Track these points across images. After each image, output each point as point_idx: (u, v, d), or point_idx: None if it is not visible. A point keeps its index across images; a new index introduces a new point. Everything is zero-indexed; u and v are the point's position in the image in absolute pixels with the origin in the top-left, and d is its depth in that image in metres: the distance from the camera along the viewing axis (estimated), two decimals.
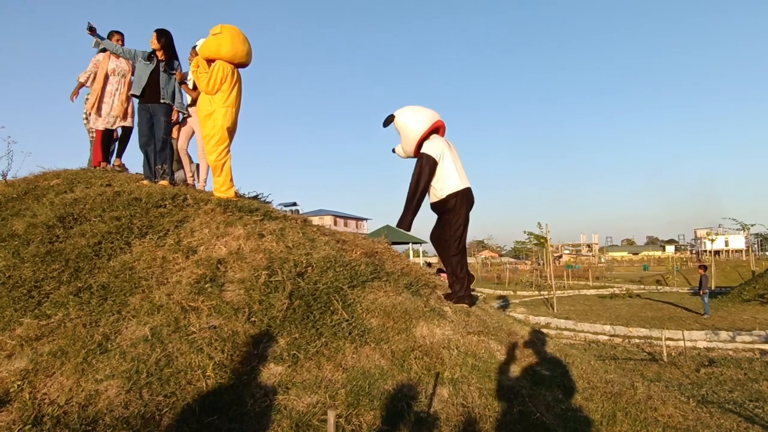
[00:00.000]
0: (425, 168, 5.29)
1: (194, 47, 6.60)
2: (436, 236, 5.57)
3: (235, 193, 5.80)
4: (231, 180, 5.68)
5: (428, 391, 3.61)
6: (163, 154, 6.44)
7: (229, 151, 5.69)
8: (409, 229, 5.41)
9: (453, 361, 3.91)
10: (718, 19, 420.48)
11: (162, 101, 6.31)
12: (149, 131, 6.43)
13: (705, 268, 19.43)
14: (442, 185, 5.34)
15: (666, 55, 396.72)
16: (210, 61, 5.64)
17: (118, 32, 7.23)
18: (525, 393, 3.84)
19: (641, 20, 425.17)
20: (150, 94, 6.35)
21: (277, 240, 4.70)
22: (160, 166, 6.15)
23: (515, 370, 4.16)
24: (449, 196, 5.30)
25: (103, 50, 7.16)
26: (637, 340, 12.92)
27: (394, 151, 5.84)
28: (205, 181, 6.63)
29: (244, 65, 5.84)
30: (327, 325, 3.86)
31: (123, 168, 7.43)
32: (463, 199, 5.34)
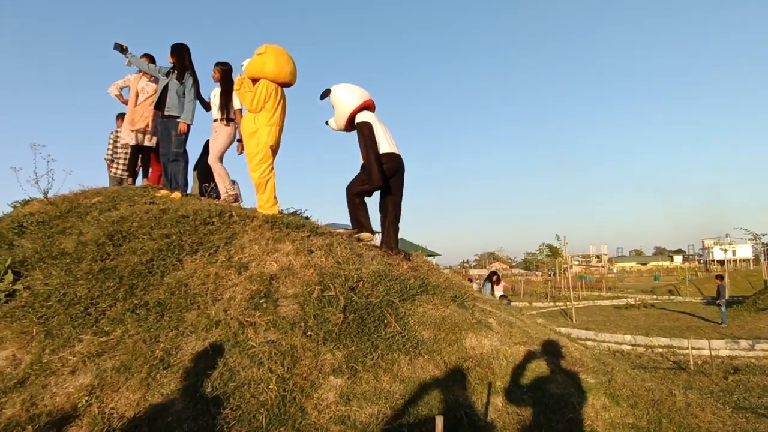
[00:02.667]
0: (366, 133, 5.86)
1: (217, 64, 6.77)
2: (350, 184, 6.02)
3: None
4: (275, 197, 5.79)
5: (483, 400, 3.67)
6: (175, 166, 6.60)
7: (272, 168, 5.79)
8: (383, 185, 5.88)
9: (503, 370, 3.98)
10: (726, 23, 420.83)
11: (167, 114, 6.53)
12: (165, 143, 6.65)
13: (722, 278, 19.40)
14: None
15: (672, 64, 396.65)
16: (255, 80, 5.77)
17: (147, 55, 7.41)
18: (574, 401, 3.89)
19: (647, 28, 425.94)
20: (163, 108, 6.68)
21: (326, 255, 4.79)
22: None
23: (562, 378, 4.21)
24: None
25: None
26: (660, 350, 12.94)
27: (327, 123, 6.33)
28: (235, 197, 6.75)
29: (288, 85, 5.97)
30: (382, 337, 3.95)
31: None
32: (385, 160, 5.85)
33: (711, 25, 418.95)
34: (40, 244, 5.09)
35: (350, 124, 6.13)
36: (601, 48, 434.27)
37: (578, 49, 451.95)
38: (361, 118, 5.99)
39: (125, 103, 7.50)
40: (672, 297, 30.92)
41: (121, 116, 8.04)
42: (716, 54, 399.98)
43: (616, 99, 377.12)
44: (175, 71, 6.66)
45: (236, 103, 6.68)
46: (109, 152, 7.95)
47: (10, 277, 4.46)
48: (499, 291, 13.91)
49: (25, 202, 6.37)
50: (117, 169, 7.86)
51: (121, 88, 7.60)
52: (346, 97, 6.07)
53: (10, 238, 5.26)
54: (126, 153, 7.75)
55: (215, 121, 6.73)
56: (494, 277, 13.95)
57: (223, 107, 6.61)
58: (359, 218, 5.95)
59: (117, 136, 7.91)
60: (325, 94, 6.14)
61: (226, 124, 6.64)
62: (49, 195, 6.23)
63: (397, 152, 6.03)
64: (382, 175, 5.77)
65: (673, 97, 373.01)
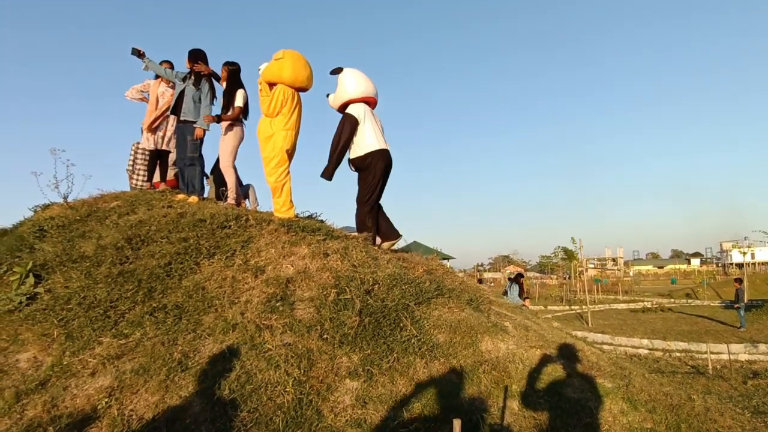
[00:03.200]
0: (347, 126, 6.11)
1: (225, 63, 6.80)
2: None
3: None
4: (291, 201, 5.83)
5: (499, 404, 3.66)
6: (191, 170, 6.66)
7: (288, 172, 5.85)
8: (330, 179, 6.11)
9: (519, 374, 3.97)
10: (744, 22, 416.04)
11: (183, 119, 6.59)
12: (180, 148, 6.71)
13: (740, 281, 19.17)
14: (361, 144, 6.14)
15: (688, 64, 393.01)
16: (272, 85, 5.83)
17: (167, 61, 7.50)
18: (591, 405, 3.87)
19: (663, 27, 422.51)
20: (179, 113, 6.72)
21: (341, 259, 4.83)
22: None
23: (579, 382, 4.19)
24: (366, 155, 6.11)
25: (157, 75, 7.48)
26: (677, 354, 12.83)
27: (328, 96, 6.63)
28: (239, 201, 6.78)
29: (304, 89, 6.05)
30: (397, 341, 3.96)
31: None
32: (378, 157, 6.12)
33: (728, 24, 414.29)
34: (61, 247, 5.16)
35: (343, 108, 6.36)
36: (616, 48, 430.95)
37: (593, 49, 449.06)
38: (351, 110, 6.19)
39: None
40: (689, 300, 30.56)
41: None
42: (733, 53, 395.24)
43: (631, 100, 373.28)
44: (192, 77, 6.73)
45: (238, 101, 6.68)
46: (130, 163, 8.03)
47: (31, 280, 4.53)
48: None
49: (46, 207, 6.45)
50: (137, 180, 7.94)
51: (142, 92, 7.69)
52: (350, 85, 6.28)
53: (32, 241, 5.34)
54: (146, 164, 7.84)
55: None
56: (521, 279, 13.92)
57: (226, 107, 6.65)
58: (364, 228, 6.13)
59: (138, 148, 7.99)
60: (337, 71, 6.36)
61: (231, 124, 6.68)
62: (69, 199, 6.31)
63: (386, 148, 6.25)
64: (332, 174, 6.07)
65: (689, 97, 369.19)
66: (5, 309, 4.32)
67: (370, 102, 6.44)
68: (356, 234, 5.85)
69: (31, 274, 4.58)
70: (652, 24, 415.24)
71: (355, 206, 6.28)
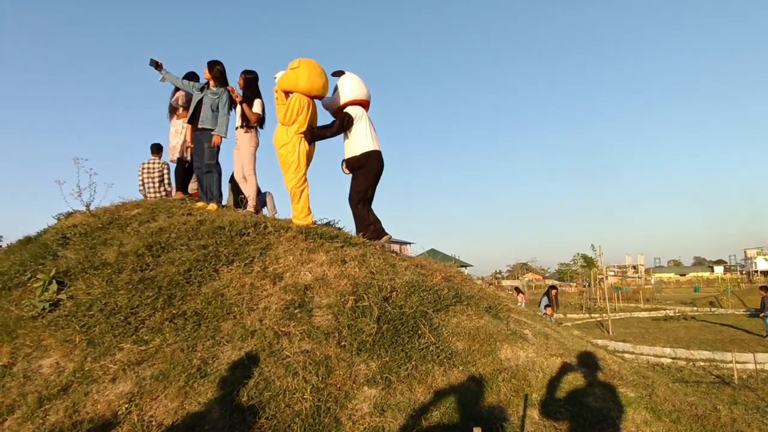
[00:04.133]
0: (344, 120, 6.34)
1: (243, 72, 6.83)
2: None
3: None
4: (309, 208, 5.87)
5: (519, 413, 3.62)
6: (209, 178, 6.70)
7: (306, 179, 5.89)
8: (309, 141, 6.14)
9: (540, 383, 3.92)
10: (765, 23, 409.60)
11: (200, 127, 6.64)
12: (197, 156, 6.76)
13: (766, 289, 18.74)
14: (357, 144, 6.35)
15: (710, 65, 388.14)
16: (288, 93, 5.88)
17: (193, 74, 7.53)
18: (614, 415, 3.80)
19: (681, 28, 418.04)
20: (197, 121, 6.78)
21: (359, 266, 4.83)
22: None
23: (601, 391, 4.12)
24: (363, 154, 6.31)
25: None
26: (701, 363, 12.60)
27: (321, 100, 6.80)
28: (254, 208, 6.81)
29: (320, 98, 6.13)
30: (416, 348, 3.94)
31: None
32: (372, 158, 6.34)
33: (750, 25, 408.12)
34: (83, 254, 5.23)
35: (340, 109, 6.55)
36: (633, 50, 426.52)
37: (610, 51, 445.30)
38: (350, 110, 6.40)
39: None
40: (713, 309, 29.98)
41: (155, 146, 8.15)
42: (757, 54, 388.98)
43: (651, 102, 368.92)
44: (214, 87, 6.78)
45: (256, 107, 6.74)
46: (140, 184, 8.06)
47: (54, 286, 4.60)
48: (521, 302, 13.75)
49: (69, 215, 6.56)
50: (151, 198, 7.98)
51: (187, 101, 7.64)
52: (348, 87, 6.50)
53: (55, 249, 5.42)
54: (153, 182, 7.90)
55: (237, 128, 6.86)
56: (553, 291, 13.84)
57: (244, 115, 6.71)
58: (366, 223, 6.29)
59: (143, 168, 8.01)
60: (339, 74, 6.57)
61: (247, 131, 6.76)
62: (91, 207, 6.39)
63: (379, 149, 6.46)
64: (312, 135, 6.17)
65: (712, 99, 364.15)
66: (29, 315, 4.39)
67: (365, 105, 6.65)
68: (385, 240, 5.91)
69: (54, 281, 4.64)
70: (678, 22, 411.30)
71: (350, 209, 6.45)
